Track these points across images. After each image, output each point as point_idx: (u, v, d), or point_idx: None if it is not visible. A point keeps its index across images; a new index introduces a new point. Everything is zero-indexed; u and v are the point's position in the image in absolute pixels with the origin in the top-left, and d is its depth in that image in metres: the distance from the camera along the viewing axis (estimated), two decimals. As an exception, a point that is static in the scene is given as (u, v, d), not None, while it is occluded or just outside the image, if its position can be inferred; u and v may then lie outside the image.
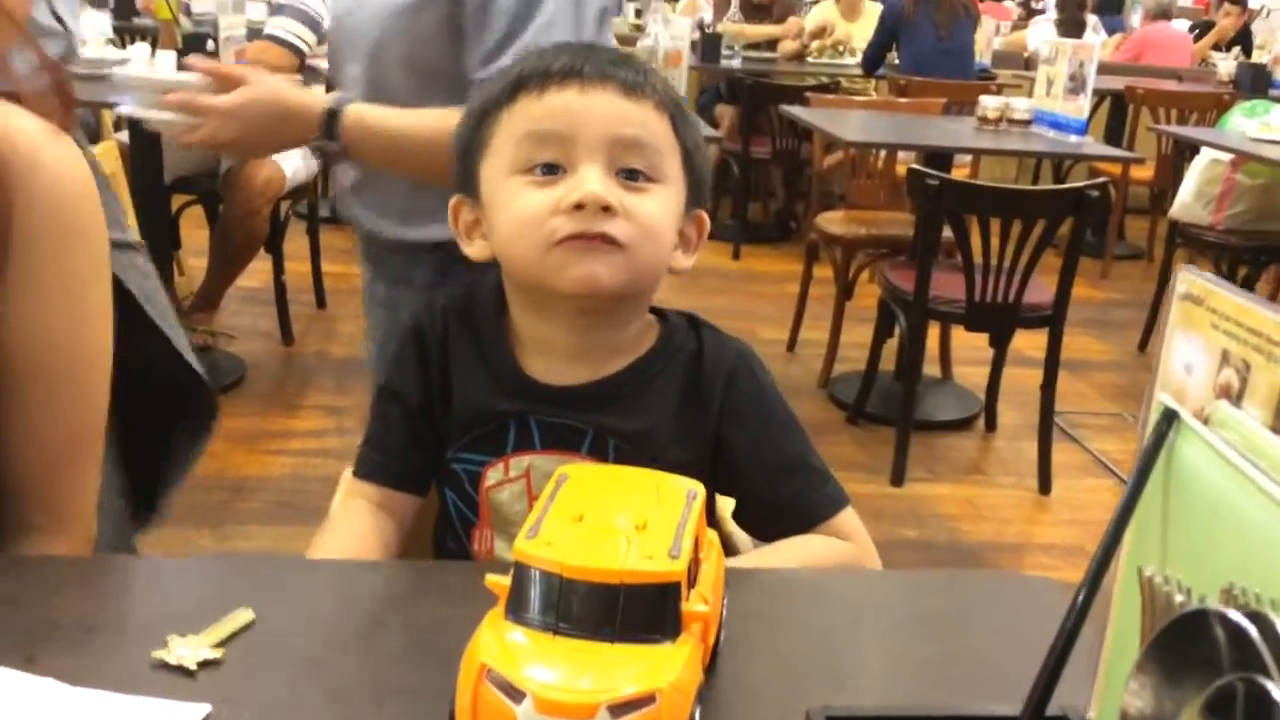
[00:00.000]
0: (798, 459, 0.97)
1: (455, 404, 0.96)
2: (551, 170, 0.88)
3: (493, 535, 0.97)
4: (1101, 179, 3.62)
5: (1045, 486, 2.91)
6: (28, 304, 0.83)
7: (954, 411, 3.36)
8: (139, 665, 0.66)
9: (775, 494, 0.95)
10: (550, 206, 0.86)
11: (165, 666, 0.66)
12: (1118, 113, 5.66)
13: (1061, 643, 0.41)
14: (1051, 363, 2.90)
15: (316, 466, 2.72)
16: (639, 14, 6.51)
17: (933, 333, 3.34)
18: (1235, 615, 0.32)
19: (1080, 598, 0.41)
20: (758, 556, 0.97)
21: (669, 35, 3.24)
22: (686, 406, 0.95)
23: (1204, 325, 0.44)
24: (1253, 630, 0.30)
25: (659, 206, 0.90)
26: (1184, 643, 0.33)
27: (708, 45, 5.10)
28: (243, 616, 0.72)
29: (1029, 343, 3.07)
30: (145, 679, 0.65)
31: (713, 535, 0.71)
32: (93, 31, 3.51)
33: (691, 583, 0.64)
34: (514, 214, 0.88)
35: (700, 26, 5.38)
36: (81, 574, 0.80)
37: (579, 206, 0.85)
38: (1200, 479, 0.40)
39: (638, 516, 0.63)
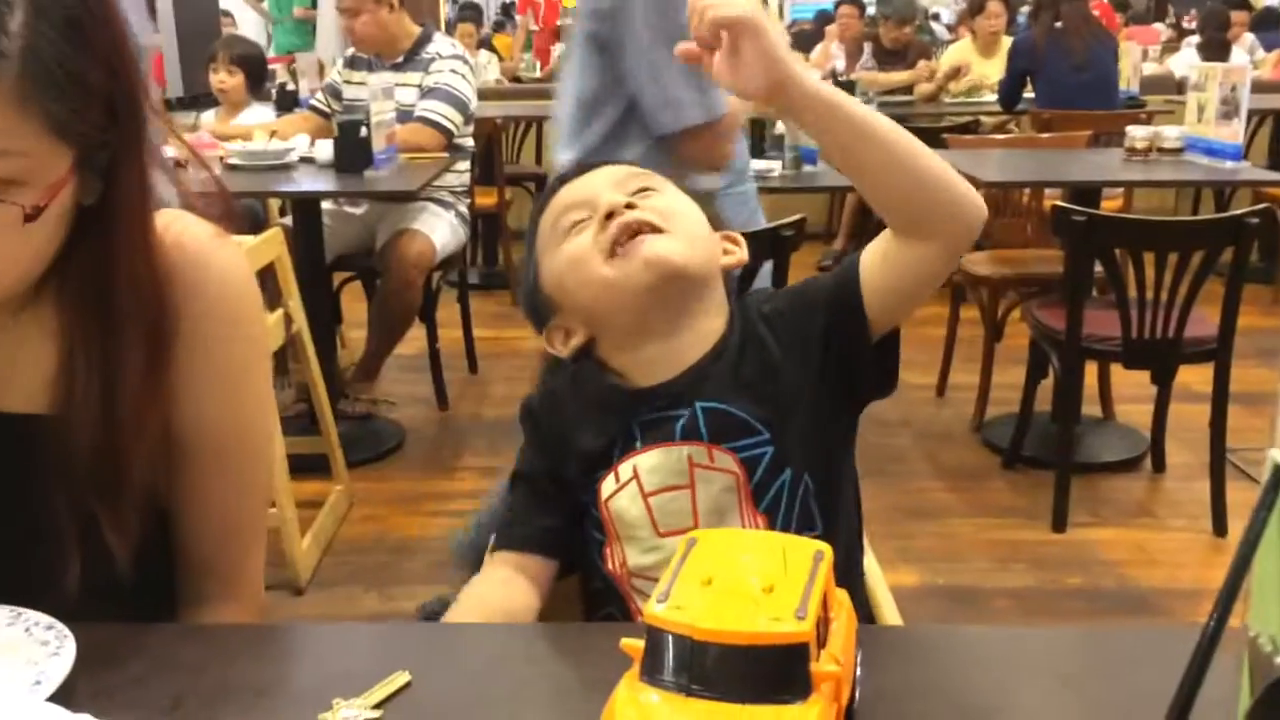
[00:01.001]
0: (823, 279, 1.04)
1: (573, 450, 1.03)
2: (581, 224, 1.01)
3: (622, 548, 1.01)
4: (1264, 204, 3.45)
5: (1220, 528, 2.76)
6: (200, 391, 0.91)
7: (1118, 452, 3.23)
8: (307, 726, 0.71)
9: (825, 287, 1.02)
10: (590, 234, 0.99)
11: (330, 728, 0.71)
12: (1281, 133, 5.40)
13: (1176, 712, 0.41)
14: (1220, 397, 2.76)
15: (473, 527, 2.81)
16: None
17: (1091, 370, 3.24)
18: (1335, 678, 0.31)
19: (1197, 663, 0.41)
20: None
21: (800, 89, 3.27)
22: (752, 357, 1.01)
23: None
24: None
25: (675, 198, 1.03)
26: (1285, 705, 0.33)
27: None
28: (400, 679, 0.76)
29: (1196, 377, 2.94)
30: (312, 740, 0.70)
31: (843, 595, 0.72)
32: (258, 123, 3.76)
33: (821, 643, 0.65)
34: (571, 261, 1.00)
35: (833, 75, 5.39)
36: (254, 641, 0.86)
37: (609, 218, 0.98)
38: (1314, 536, 0.40)
39: (765, 578, 0.65)
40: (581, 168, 1.08)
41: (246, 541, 0.99)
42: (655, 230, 0.97)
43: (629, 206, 0.98)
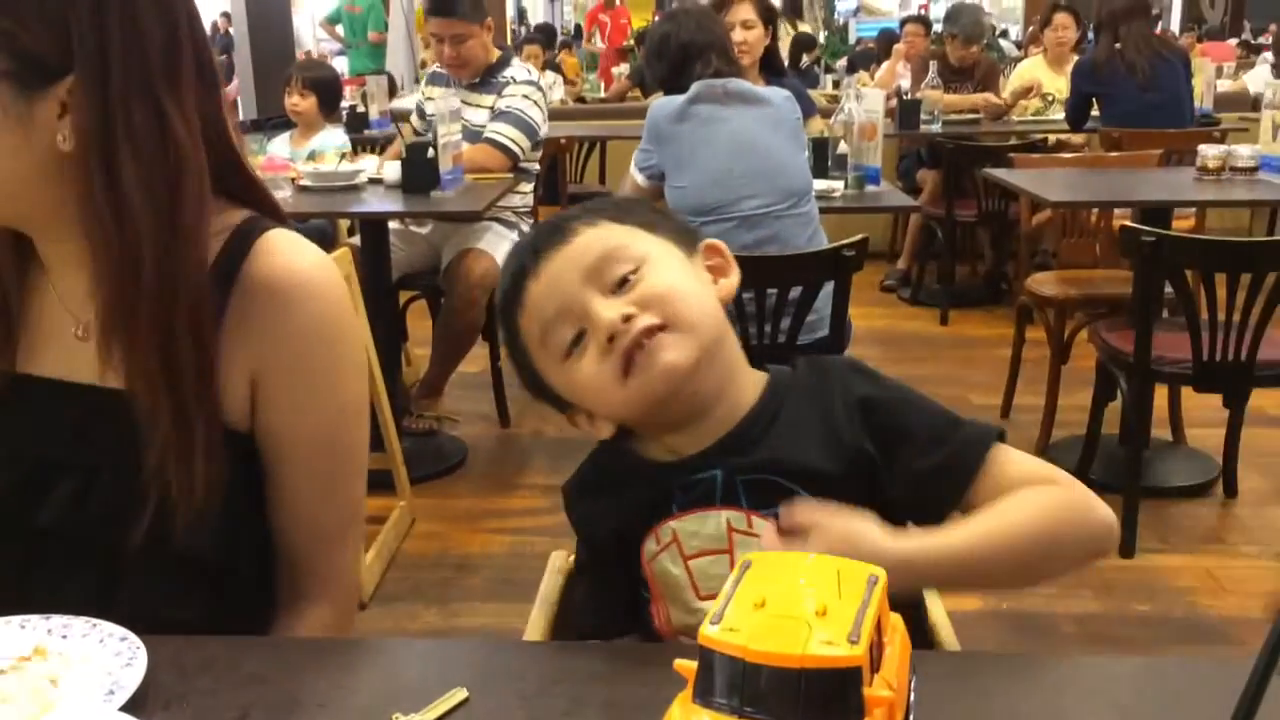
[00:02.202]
0: (939, 421, 0.96)
1: (607, 523, 1.02)
2: (577, 340, 0.94)
3: (666, 607, 1.01)
4: (1343, 223, 3.37)
5: (1295, 556, 2.69)
6: (295, 399, 0.98)
7: (1188, 477, 3.16)
8: (367, 739, 0.73)
9: (919, 468, 0.94)
10: (596, 359, 0.93)
11: (389, 741, 0.73)
12: (1362, 149, 5.25)
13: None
14: (1295, 423, 2.70)
15: (534, 544, 2.83)
16: (836, 85, 6.55)
17: (1161, 393, 3.17)
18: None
19: (1247, 698, 0.41)
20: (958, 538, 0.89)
21: (862, 109, 3.26)
22: (814, 430, 0.97)
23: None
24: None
25: (665, 273, 0.95)
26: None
27: (906, 112, 5.08)
28: (458, 695, 0.78)
29: (1269, 401, 2.88)
30: (372, 753, 0.72)
31: (896, 619, 0.72)
32: (330, 145, 3.85)
33: (875, 667, 0.65)
34: (583, 390, 0.96)
35: (899, 94, 5.37)
36: (318, 654, 0.89)
37: (611, 339, 0.92)
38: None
39: (818, 602, 0.65)
40: (536, 250, 0.97)
41: (345, 546, 1.04)
42: (659, 331, 0.92)
43: (627, 319, 0.92)
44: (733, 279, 1.01)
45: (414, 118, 3.90)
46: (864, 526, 0.86)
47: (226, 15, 10.15)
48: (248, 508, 1.00)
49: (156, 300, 0.91)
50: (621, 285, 0.94)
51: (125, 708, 0.74)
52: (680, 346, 0.92)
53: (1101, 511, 0.90)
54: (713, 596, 0.95)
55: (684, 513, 0.98)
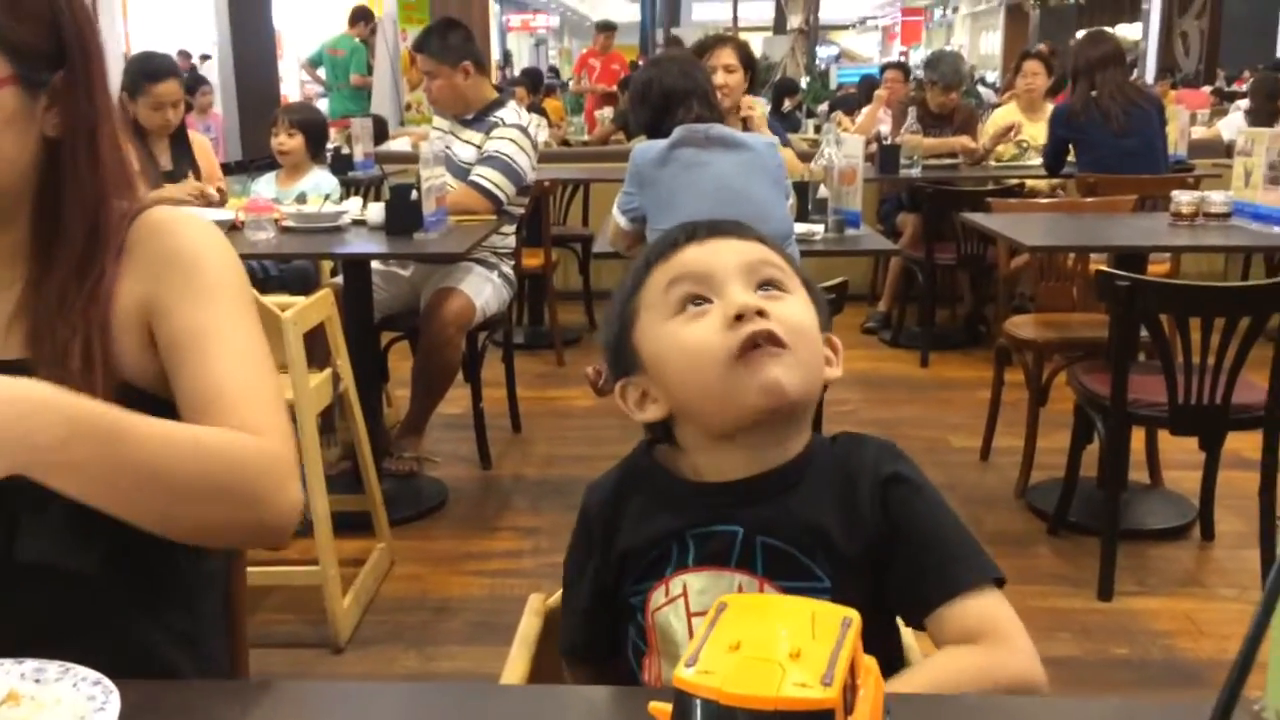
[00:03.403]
0: (958, 532, 0.97)
1: (620, 549, 1.02)
2: (699, 303, 0.97)
3: (659, 661, 1.00)
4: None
5: (1273, 599, 2.70)
6: (195, 306, 1.04)
7: (1166, 519, 3.18)
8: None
9: (919, 562, 0.95)
10: (714, 329, 0.94)
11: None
12: (1334, 195, 5.33)
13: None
14: (1270, 464, 2.71)
15: (513, 587, 2.82)
16: (818, 130, 6.62)
17: (1138, 436, 3.20)
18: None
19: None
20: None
21: (842, 154, 3.30)
22: (837, 505, 0.97)
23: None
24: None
25: (801, 309, 0.99)
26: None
27: (886, 157, 5.14)
28: (432, 739, 0.77)
29: (1245, 444, 2.89)
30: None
31: (870, 661, 0.73)
32: (316, 188, 3.86)
33: (848, 709, 0.66)
34: (684, 348, 0.96)
35: (879, 139, 5.43)
36: (290, 699, 0.88)
37: (738, 318, 0.93)
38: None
39: (793, 644, 0.66)
40: (712, 228, 1.03)
41: (237, 400, 1.00)
42: (781, 348, 0.94)
43: (761, 314, 0.94)
44: (836, 373, 1.03)
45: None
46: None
47: (205, 56, 10.22)
48: None
49: (77, 274, 1.00)
50: (764, 291, 0.97)
51: (97, 752, 0.74)
52: (794, 374, 0.94)
53: (1035, 679, 0.92)
54: None
55: (699, 568, 0.98)
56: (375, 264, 3.43)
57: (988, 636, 0.92)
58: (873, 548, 0.96)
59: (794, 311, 0.97)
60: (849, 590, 0.94)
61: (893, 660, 1.03)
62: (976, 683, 0.90)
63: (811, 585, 0.95)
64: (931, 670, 0.92)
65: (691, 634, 0.97)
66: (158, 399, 1.01)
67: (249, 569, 1.07)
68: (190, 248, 1.05)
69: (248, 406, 0.99)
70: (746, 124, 3.57)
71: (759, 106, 3.77)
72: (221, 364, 1.01)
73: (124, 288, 1.02)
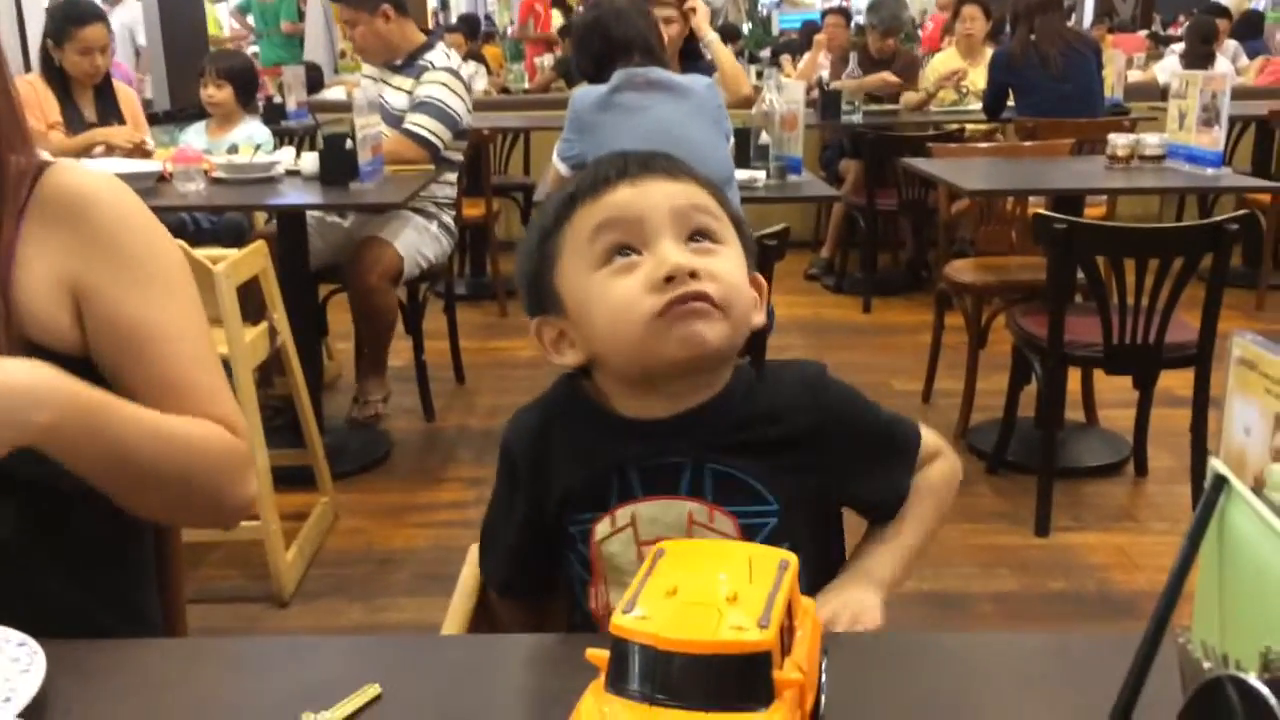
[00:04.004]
0: (884, 429, 1.06)
1: (557, 485, 1.01)
2: (627, 253, 0.94)
3: (607, 590, 1.01)
4: (1246, 210, 3.48)
5: (1203, 533, 2.77)
6: (127, 292, 1.01)
7: (1101, 457, 3.25)
8: (277, 739, 0.72)
9: (872, 456, 1.05)
10: (642, 287, 0.92)
11: (300, 740, 0.72)
12: (1264, 139, 5.43)
13: (1118, 714, 0.42)
14: (1201, 402, 2.78)
15: (459, 537, 2.80)
16: (760, 75, 6.58)
17: (1075, 376, 3.25)
18: (1254, 682, 0.32)
19: (1137, 666, 0.42)
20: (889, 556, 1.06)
21: (783, 100, 3.29)
22: (775, 423, 1.00)
23: (1258, 390, 0.45)
24: (1269, 696, 0.31)
25: (733, 264, 0.96)
26: (1211, 709, 0.34)
27: (827, 102, 5.12)
28: (370, 691, 0.77)
29: (1178, 382, 2.96)
30: (281, 752, 0.71)
31: (808, 603, 0.73)
32: (248, 139, 3.77)
33: (785, 650, 0.66)
34: (610, 304, 0.93)
35: (820, 85, 5.42)
36: (226, 655, 0.87)
37: (669, 279, 0.91)
38: (1247, 544, 0.40)
39: (730, 588, 0.66)
40: (645, 163, 0.97)
41: (190, 398, 1.01)
42: (711, 306, 0.92)
43: (693, 275, 0.91)
44: (761, 317, 1.01)
45: None
46: (860, 595, 1.00)
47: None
48: None
49: None
50: (696, 243, 0.95)
51: (25, 715, 0.72)
52: (718, 331, 0.92)
53: (958, 469, 1.10)
54: None
55: (648, 498, 0.98)
56: (311, 215, 3.36)
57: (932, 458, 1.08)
58: (814, 446, 1.00)
59: (726, 268, 0.95)
60: (796, 515, 0.98)
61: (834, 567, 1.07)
62: (941, 512, 1.08)
63: (761, 509, 0.97)
64: (908, 539, 1.06)
65: (641, 560, 0.97)
66: (69, 358, 0.98)
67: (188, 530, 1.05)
68: (114, 223, 1.01)
69: (206, 400, 1.02)
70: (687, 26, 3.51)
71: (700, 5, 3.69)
72: (175, 358, 1.01)
73: (35, 252, 0.99)
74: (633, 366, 0.95)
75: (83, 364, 0.98)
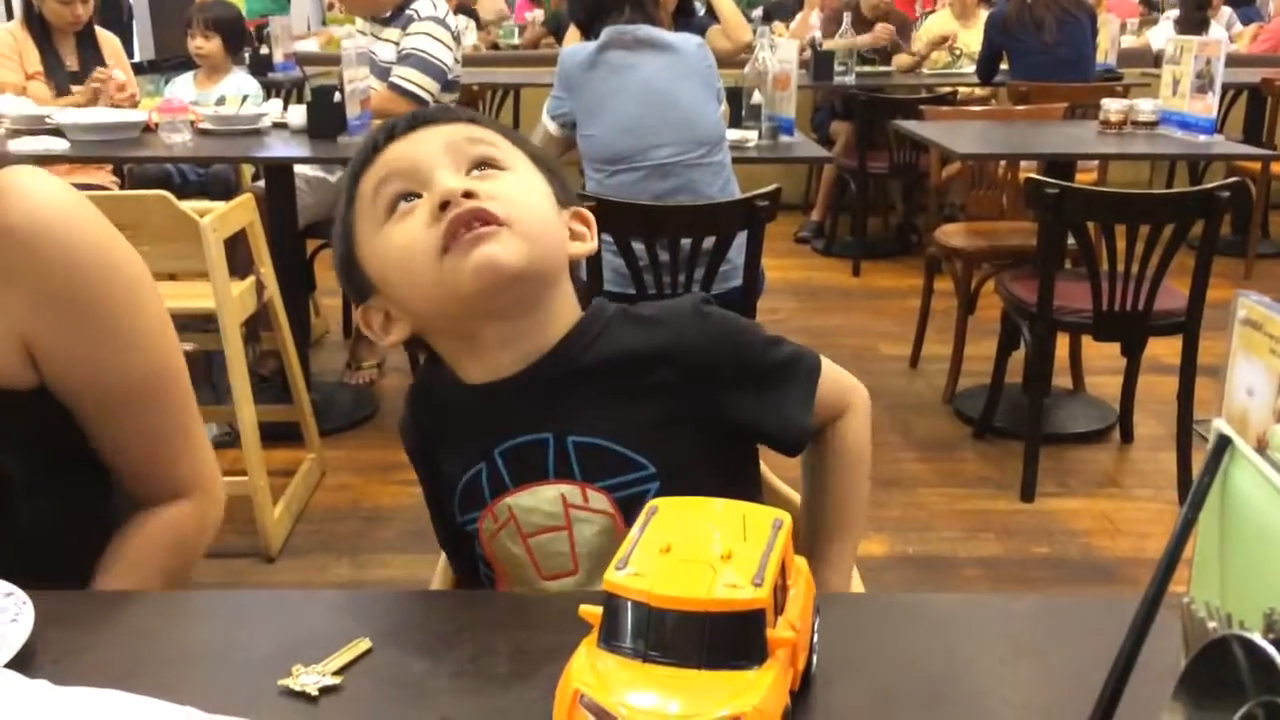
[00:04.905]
0: (775, 356, 0.96)
1: (445, 486, 0.98)
2: (409, 199, 0.88)
3: (511, 587, 0.98)
4: (1237, 178, 3.47)
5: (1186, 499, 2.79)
6: (86, 355, 0.93)
7: (1087, 423, 3.26)
8: (267, 693, 0.72)
9: (768, 401, 0.95)
10: (423, 223, 0.86)
11: (290, 693, 0.71)
12: (1256, 106, 5.42)
13: (1115, 676, 0.42)
14: (1188, 369, 2.79)
15: (447, 496, 2.81)
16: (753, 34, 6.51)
17: (1063, 342, 3.26)
18: (1259, 641, 0.32)
19: (1136, 628, 0.42)
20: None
21: (776, 59, 3.26)
22: (641, 371, 0.92)
23: (1263, 350, 0.44)
24: (1276, 655, 0.31)
25: (521, 182, 0.91)
26: (1214, 669, 0.34)
27: (820, 63, 5.08)
28: (360, 645, 0.76)
29: (1165, 349, 2.97)
30: (271, 705, 0.70)
31: (801, 562, 0.73)
32: (237, 91, 3.72)
33: (778, 609, 0.66)
34: (398, 250, 0.88)
35: (813, 45, 5.37)
36: (215, 607, 0.86)
37: (444, 206, 0.85)
38: (1250, 504, 0.40)
39: (723, 546, 0.66)
40: (413, 120, 0.93)
41: (174, 458, 1.00)
42: (496, 224, 0.85)
43: (467, 195, 0.85)
44: (588, 247, 0.95)
45: None
46: (823, 578, 0.97)
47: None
48: (47, 454, 0.96)
49: None
50: (477, 172, 0.90)
51: (11, 665, 0.72)
52: (510, 248, 0.85)
53: (868, 407, 1.04)
54: (555, 577, 0.94)
55: (519, 488, 0.92)
56: (300, 169, 3.33)
57: (837, 417, 1.02)
58: (694, 384, 0.91)
59: (511, 185, 0.89)
60: (678, 470, 0.90)
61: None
62: (865, 477, 1.04)
63: (637, 476, 0.90)
64: (857, 497, 1.04)
65: (531, 555, 0.95)
66: (26, 392, 0.93)
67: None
68: (65, 274, 0.90)
69: (186, 459, 1.01)
70: None
71: None
72: (157, 416, 0.98)
73: None
74: (443, 316, 0.89)
75: (39, 395, 0.94)
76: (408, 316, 0.92)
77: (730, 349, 0.93)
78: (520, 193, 0.89)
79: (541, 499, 0.92)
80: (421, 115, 0.93)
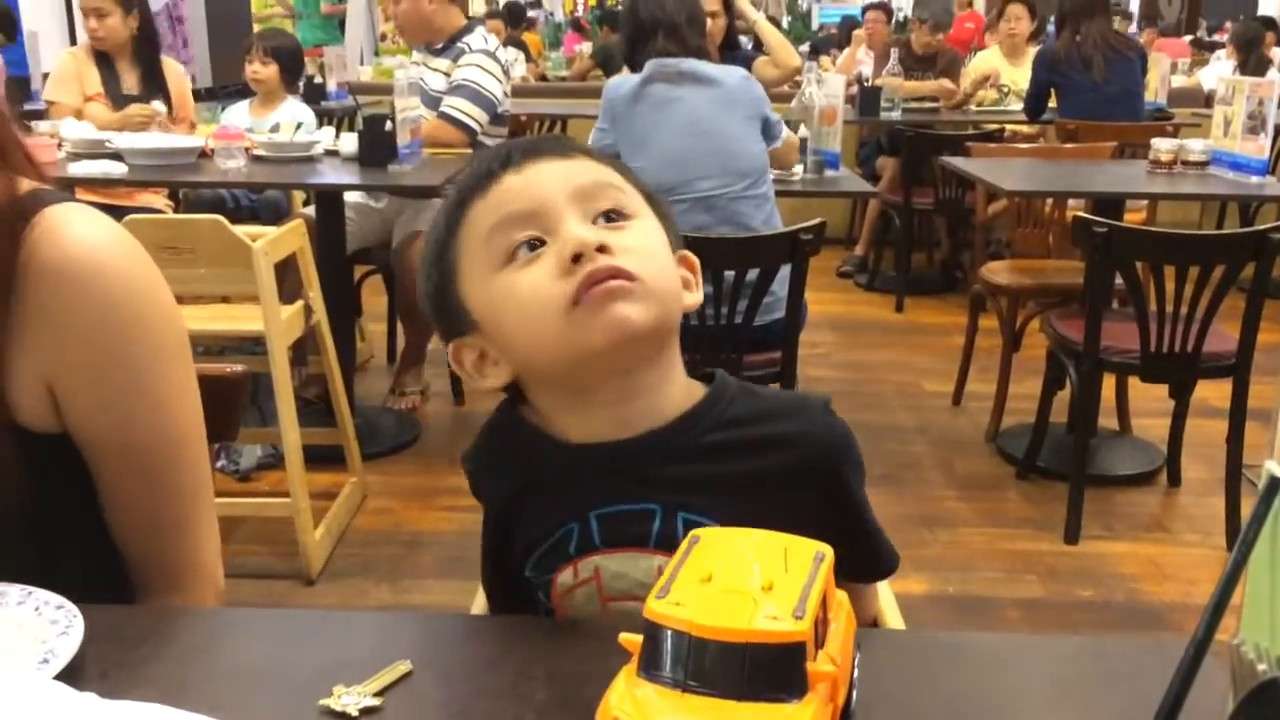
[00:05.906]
0: (872, 526, 0.94)
1: (518, 535, 0.92)
2: (534, 247, 0.84)
3: None
4: (1289, 219, 3.43)
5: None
6: (109, 404, 0.92)
7: (1133, 466, 3.21)
8: (308, 712, 0.72)
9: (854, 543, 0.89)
10: (549, 275, 0.82)
11: (331, 713, 0.72)
12: (1311, 148, 5.35)
13: (1163, 717, 0.41)
14: (1238, 413, 2.75)
15: (485, 522, 2.81)
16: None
17: (1109, 383, 3.22)
18: (1312, 686, 0.32)
19: (1184, 670, 0.41)
20: None
21: (823, 94, 3.27)
22: (767, 471, 0.88)
23: (1317, 390, 0.44)
24: (1328, 701, 0.30)
25: (649, 235, 0.87)
26: (1263, 712, 0.33)
27: (867, 99, 5.09)
28: (401, 668, 0.77)
29: (1214, 392, 2.93)
30: (313, 724, 0.71)
31: (842, 596, 0.72)
32: (291, 119, 3.79)
33: (819, 643, 0.65)
34: (519, 300, 0.83)
35: (860, 80, 5.38)
36: (259, 625, 0.87)
37: (576, 259, 0.81)
38: (1303, 548, 0.40)
39: (765, 578, 0.65)
40: (530, 149, 0.88)
41: (183, 536, 0.98)
42: (629, 280, 0.82)
43: (601, 249, 0.82)
44: (696, 298, 0.92)
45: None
46: None
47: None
48: (64, 507, 0.95)
49: None
50: (605, 221, 0.86)
51: (60, 677, 0.73)
52: (641, 306, 0.82)
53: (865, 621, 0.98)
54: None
55: (614, 550, 0.88)
56: (348, 196, 3.38)
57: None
58: (804, 522, 0.85)
59: (641, 240, 0.85)
60: None
61: None
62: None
63: None
64: None
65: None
66: (51, 436, 0.92)
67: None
68: (109, 322, 0.89)
69: (188, 536, 0.99)
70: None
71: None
72: (174, 480, 0.96)
73: (16, 346, 0.88)
74: (559, 370, 0.85)
75: (61, 440, 0.93)
76: (512, 363, 0.88)
77: (849, 454, 0.91)
78: (648, 246, 0.86)
79: (636, 567, 0.87)
80: (539, 146, 0.89)
